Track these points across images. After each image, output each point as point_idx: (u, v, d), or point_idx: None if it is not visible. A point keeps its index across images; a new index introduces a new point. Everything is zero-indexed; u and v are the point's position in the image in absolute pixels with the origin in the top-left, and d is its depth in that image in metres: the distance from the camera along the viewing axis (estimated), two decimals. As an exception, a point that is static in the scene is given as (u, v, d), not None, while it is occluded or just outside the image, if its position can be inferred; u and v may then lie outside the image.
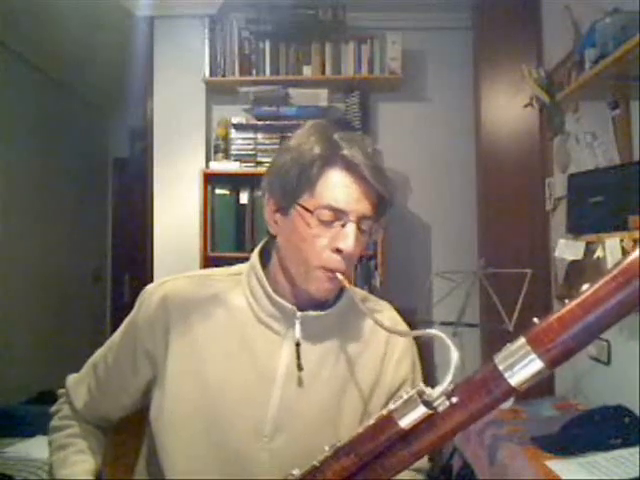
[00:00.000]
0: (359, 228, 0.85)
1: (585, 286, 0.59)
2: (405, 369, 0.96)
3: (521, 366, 0.60)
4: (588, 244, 2.04)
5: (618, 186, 1.88)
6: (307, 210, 0.84)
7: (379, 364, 0.94)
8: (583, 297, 0.58)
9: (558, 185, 2.47)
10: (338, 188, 0.84)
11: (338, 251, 0.84)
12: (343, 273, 0.86)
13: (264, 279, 0.91)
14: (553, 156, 2.54)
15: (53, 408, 1.05)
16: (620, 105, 1.96)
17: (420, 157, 3.06)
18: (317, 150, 0.84)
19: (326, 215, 0.84)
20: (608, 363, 2.06)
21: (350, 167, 0.84)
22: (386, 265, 2.78)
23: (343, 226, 0.84)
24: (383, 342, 0.95)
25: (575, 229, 2.14)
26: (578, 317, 0.58)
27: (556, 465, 1.58)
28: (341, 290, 0.91)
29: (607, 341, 2.05)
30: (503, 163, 2.73)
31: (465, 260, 2.81)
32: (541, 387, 2.41)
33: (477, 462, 1.97)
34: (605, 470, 1.51)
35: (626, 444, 1.63)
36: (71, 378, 1.03)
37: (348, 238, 0.83)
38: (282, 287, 0.91)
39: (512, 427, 1.93)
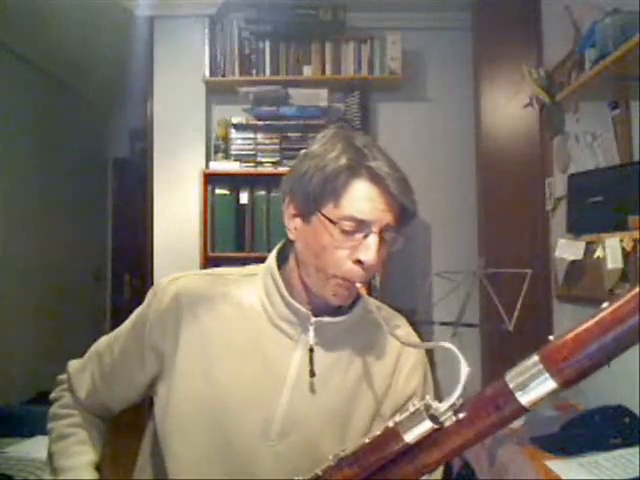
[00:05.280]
0: (381, 238, 0.84)
1: (604, 304, 0.56)
2: (416, 382, 0.95)
3: (533, 385, 0.57)
4: (588, 244, 2.04)
5: (618, 186, 1.88)
6: (330, 221, 0.83)
7: (390, 374, 0.93)
8: (601, 315, 0.55)
9: (558, 185, 2.46)
10: (363, 200, 0.83)
11: (359, 262, 0.83)
12: (362, 283, 0.85)
13: (280, 282, 0.90)
14: (553, 156, 2.54)
15: (53, 395, 1.03)
16: (620, 105, 1.96)
17: (420, 157, 3.05)
18: (343, 160, 0.84)
19: (349, 225, 0.83)
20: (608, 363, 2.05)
21: (376, 179, 0.83)
22: (386, 265, 2.78)
23: (365, 237, 0.83)
24: (395, 353, 0.94)
25: (575, 229, 2.14)
26: (595, 336, 0.55)
27: (556, 465, 1.57)
28: (356, 297, 0.90)
29: (607, 341, 2.04)
30: (503, 163, 2.73)
31: (465, 260, 2.80)
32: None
33: (477, 462, 1.97)
34: (605, 470, 1.51)
35: (626, 444, 1.63)
36: (73, 364, 1.01)
37: (370, 250, 0.82)
38: (297, 291, 0.91)
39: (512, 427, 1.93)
